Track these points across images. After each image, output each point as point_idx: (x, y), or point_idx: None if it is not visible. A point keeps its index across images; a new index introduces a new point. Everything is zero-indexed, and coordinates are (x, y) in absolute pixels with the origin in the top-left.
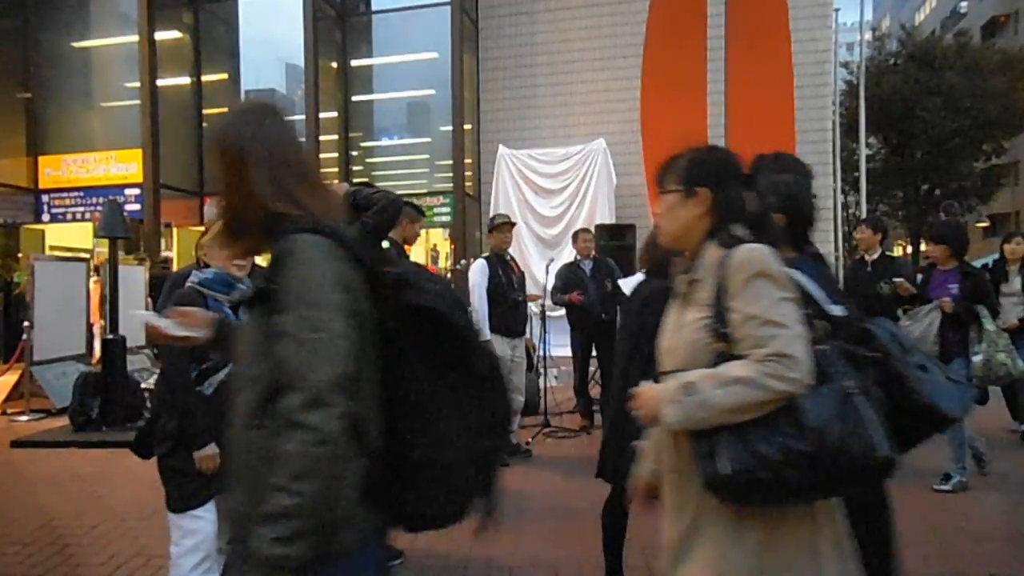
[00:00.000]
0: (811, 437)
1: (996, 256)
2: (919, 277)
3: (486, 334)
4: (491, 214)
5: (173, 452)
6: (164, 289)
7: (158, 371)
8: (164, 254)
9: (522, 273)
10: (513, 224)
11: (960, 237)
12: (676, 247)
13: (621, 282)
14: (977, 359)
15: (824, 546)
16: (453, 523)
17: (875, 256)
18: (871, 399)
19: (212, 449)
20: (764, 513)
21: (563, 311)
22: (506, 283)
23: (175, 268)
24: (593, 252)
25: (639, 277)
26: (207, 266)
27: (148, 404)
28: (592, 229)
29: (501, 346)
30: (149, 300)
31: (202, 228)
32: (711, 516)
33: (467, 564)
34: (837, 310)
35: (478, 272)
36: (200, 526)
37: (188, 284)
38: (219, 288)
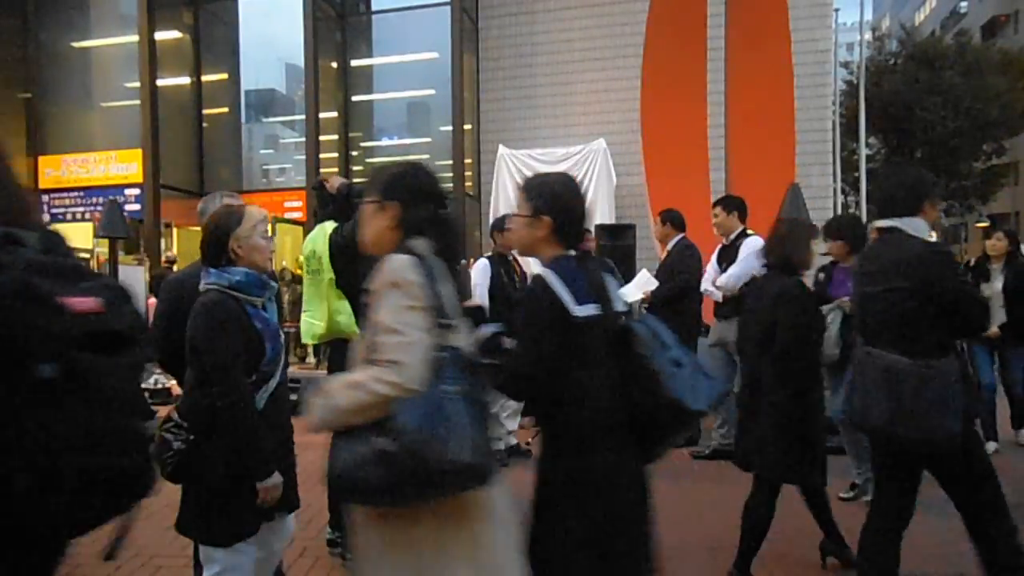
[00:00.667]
0: (397, 439)
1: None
2: (821, 275)
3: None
4: (491, 214)
5: (229, 482)
6: (166, 293)
7: (158, 373)
8: (168, 254)
9: (524, 274)
10: None
11: (858, 232)
12: (371, 253)
13: (621, 290)
14: None
15: (457, 548)
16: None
17: None
18: (473, 404)
19: (277, 478)
20: (393, 513)
21: None
22: (508, 283)
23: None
24: (593, 252)
25: (641, 282)
26: (230, 263)
27: (177, 424)
28: (592, 229)
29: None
30: (151, 301)
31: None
32: (357, 515)
33: None
34: (584, 309)
35: (481, 272)
36: (243, 560)
37: (210, 287)
38: (256, 291)
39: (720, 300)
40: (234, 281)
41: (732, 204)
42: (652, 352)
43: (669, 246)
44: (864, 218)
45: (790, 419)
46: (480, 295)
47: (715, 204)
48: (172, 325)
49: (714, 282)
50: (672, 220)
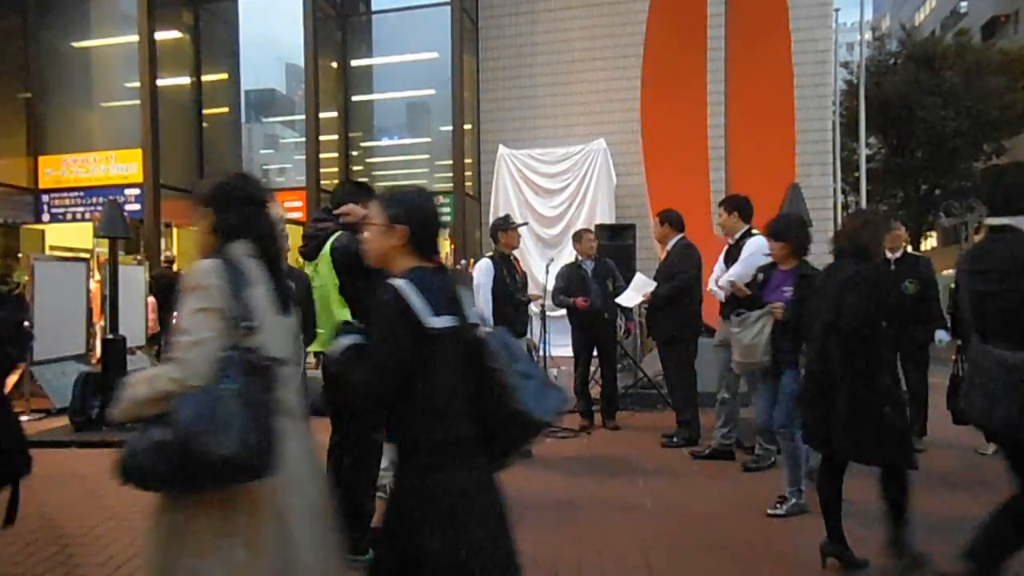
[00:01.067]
0: (173, 430)
1: None
2: (759, 276)
3: None
4: (491, 214)
5: None
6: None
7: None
8: (166, 253)
9: (524, 274)
10: (524, 224)
11: (800, 233)
12: (200, 255)
13: (621, 298)
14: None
15: (236, 538)
16: None
17: (898, 255)
18: (252, 404)
19: None
20: (180, 499)
21: (563, 311)
22: (510, 283)
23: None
24: (595, 252)
25: (639, 285)
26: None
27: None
28: (593, 229)
29: None
30: (151, 300)
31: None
32: (157, 501)
33: None
34: (439, 321)
35: (483, 272)
36: None
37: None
38: None
39: (723, 300)
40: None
41: (733, 204)
42: (503, 364)
43: (669, 246)
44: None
45: (862, 401)
46: (483, 295)
47: (719, 204)
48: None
49: (717, 281)
50: (671, 220)
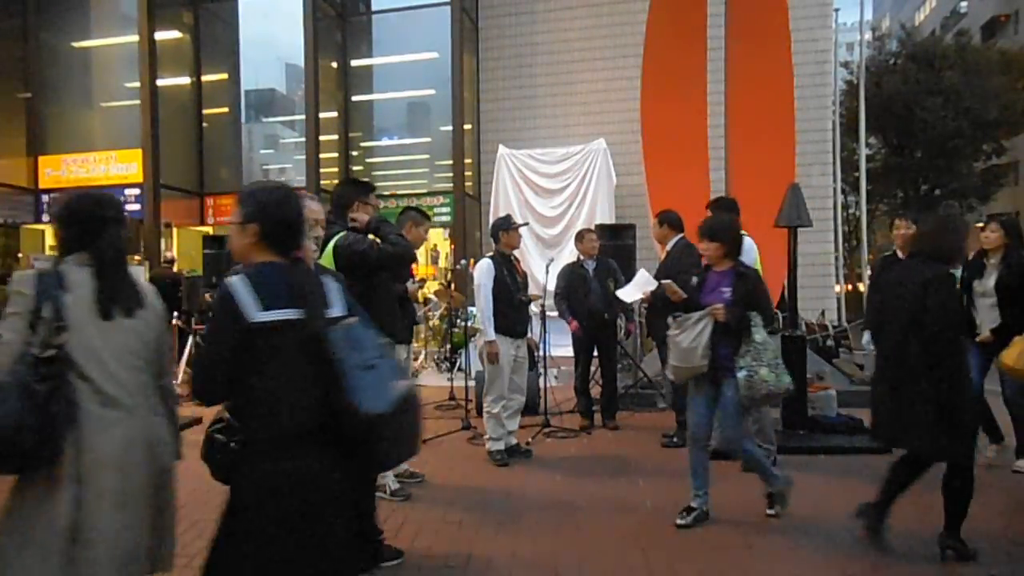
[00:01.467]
0: None
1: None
2: (694, 280)
3: (491, 335)
4: (491, 214)
5: None
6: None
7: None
8: (167, 254)
9: (525, 274)
10: (525, 224)
11: (732, 233)
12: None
13: (621, 292)
14: (741, 375)
15: (44, 518)
16: None
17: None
18: (30, 391)
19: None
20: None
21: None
22: (511, 283)
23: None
24: (597, 252)
25: (640, 282)
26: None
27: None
28: (594, 229)
29: (505, 346)
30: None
31: (206, 228)
32: None
33: (467, 564)
34: (269, 315)
35: (484, 272)
36: None
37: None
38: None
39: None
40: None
41: (723, 206)
42: (342, 356)
43: (668, 246)
44: (864, 218)
45: (941, 400)
46: (484, 295)
47: (707, 207)
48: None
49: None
50: (669, 221)
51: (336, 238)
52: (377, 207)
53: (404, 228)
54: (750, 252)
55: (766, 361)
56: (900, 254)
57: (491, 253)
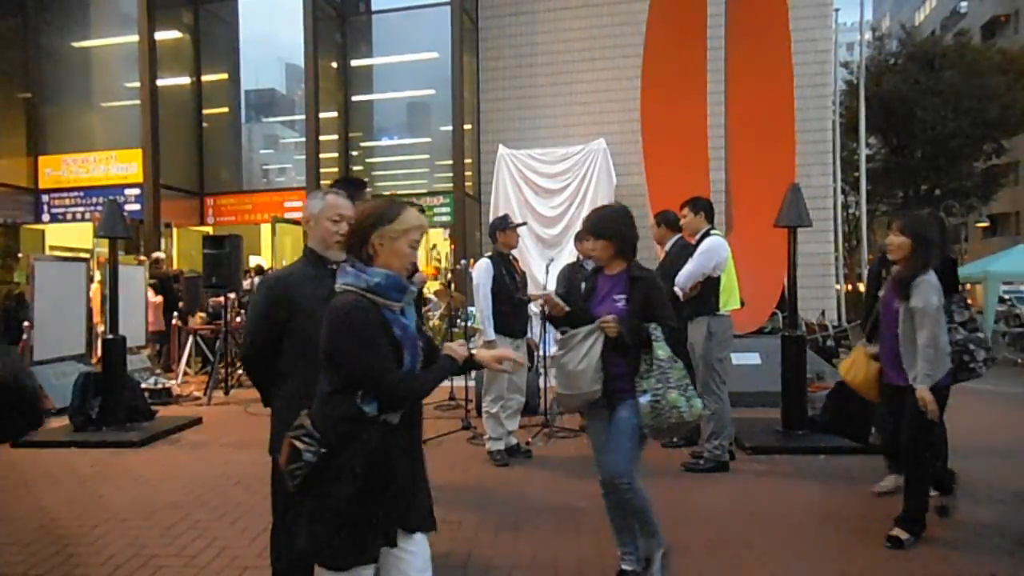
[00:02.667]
0: None
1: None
2: (583, 286)
3: (490, 334)
4: (491, 214)
5: (357, 500)
6: (266, 291)
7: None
8: (156, 254)
9: (523, 273)
10: (523, 224)
11: (626, 229)
12: None
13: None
14: (644, 400)
15: None
16: None
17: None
18: None
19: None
20: None
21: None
22: (510, 283)
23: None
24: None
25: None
26: (369, 259)
27: (309, 434)
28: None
29: (504, 346)
30: (157, 300)
31: (206, 228)
32: None
33: (466, 564)
34: None
35: (483, 272)
36: None
37: (346, 288)
38: (395, 295)
39: (682, 299)
40: (372, 283)
41: (699, 205)
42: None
43: (667, 247)
44: (864, 218)
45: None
46: (483, 295)
47: (683, 205)
48: (274, 327)
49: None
50: (667, 221)
51: None
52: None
53: None
54: (720, 252)
55: (674, 382)
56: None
57: (490, 253)
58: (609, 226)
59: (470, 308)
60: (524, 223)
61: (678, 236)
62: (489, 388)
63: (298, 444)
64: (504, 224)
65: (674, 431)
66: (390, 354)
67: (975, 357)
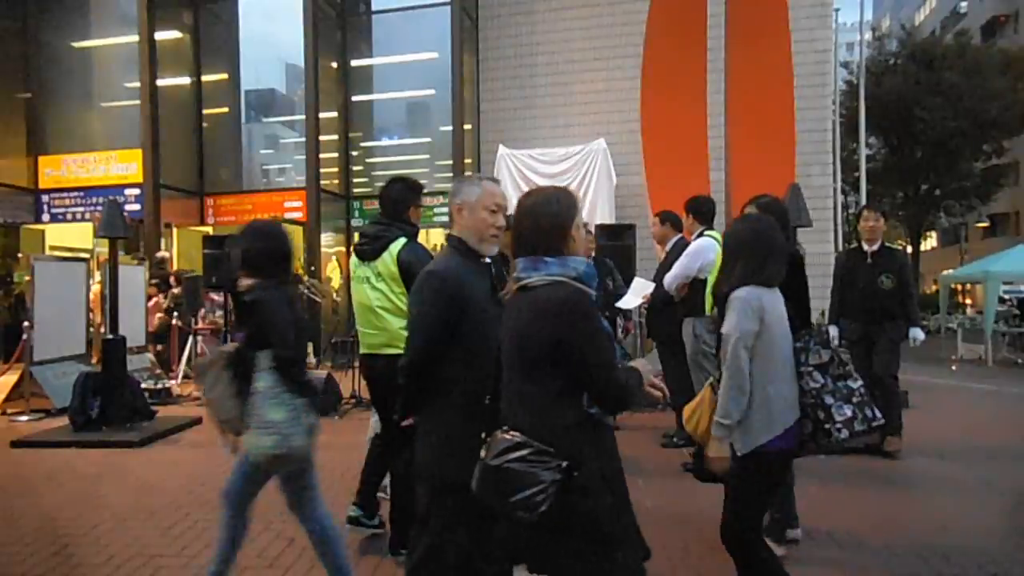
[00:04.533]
0: None
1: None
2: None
3: None
4: None
5: (617, 519)
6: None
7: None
8: (160, 254)
9: None
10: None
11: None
12: None
13: (621, 302)
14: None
15: None
16: None
17: (875, 247)
18: None
19: None
20: None
21: None
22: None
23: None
24: (594, 252)
25: (638, 288)
26: (560, 256)
27: (538, 451)
28: (592, 229)
29: None
30: (159, 300)
31: (206, 228)
32: None
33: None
34: None
35: None
36: None
37: (556, 279)
38: (593, 284)
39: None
40: (580, 272)
41: (666, 217)
42: None
43: (668, 246)
44: (864, 203)
45: None
46: None
47: (655, 215)
48: (446, 329)
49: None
50: (671, 220)
51: (400, 246)
52: (425, 207)
53: (412, 212)
54: (706, 254)
55: (254, 420)
56: (866, 247)
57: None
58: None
59: None
60: None
61: (679, 236)
62: None
63: (527, 467)
64: (507, 225)
65: (275, 466)
66: (613, 348)
67: (833, 416)
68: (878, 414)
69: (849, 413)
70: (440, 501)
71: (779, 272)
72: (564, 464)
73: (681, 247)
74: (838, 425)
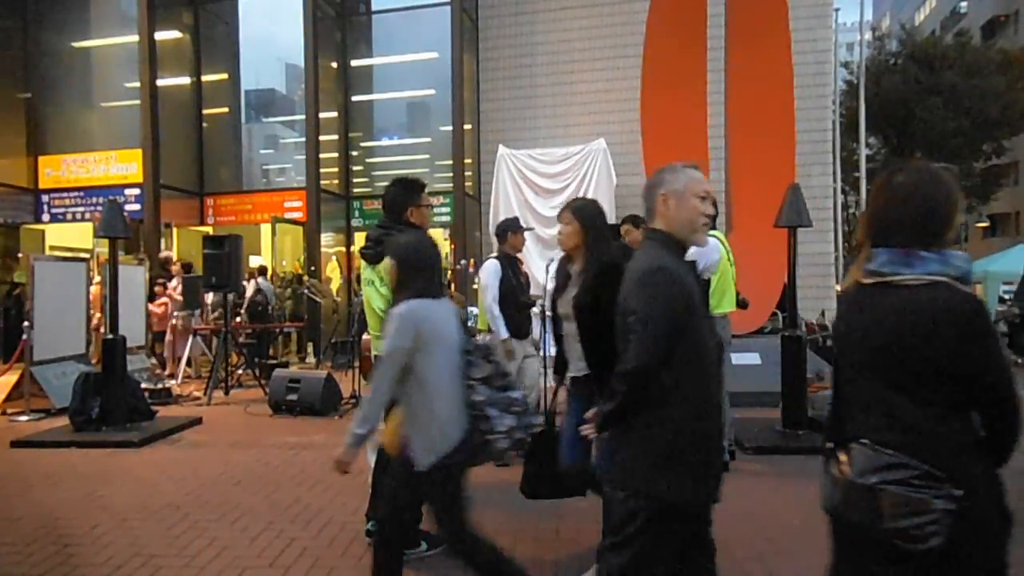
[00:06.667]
0: None
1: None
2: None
3: (503, 333)
4: (491, 214)
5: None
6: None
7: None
8: (166, 254)
9: (526, 275)
10: (530, 228)
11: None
12: None
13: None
14: None
15: None
16: None
17: None
18: None
19: None
20: None
21: None
22: (516, 285)
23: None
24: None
25: None
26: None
27: (926, 475)
28: None
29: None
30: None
31: (206, 228)
32: None
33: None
34: None
35: (491, 273)
36: None
37: (935, 279)
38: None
39: None
40: (964, 270)
41: (639, 222)
42: None
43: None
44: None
45: None
46: (492, 296)
47: (623, 221)
48: (677, 326)
49: None
50: (634, 222)
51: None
52: (432, 206)
53: (408, 213)
54: (709, 254)
55: None
56: None
57: (496, 254)
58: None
59: (471, 308)
60: (531, 228)
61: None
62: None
63: (913, 491)
64: (516, 226)
65: None
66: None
67: (494, 427)
68: (536, 421)
69: (512, 423)
70: (653, 521)
71: (428, 287)
72: (958, 492)
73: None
74: (500, 435)
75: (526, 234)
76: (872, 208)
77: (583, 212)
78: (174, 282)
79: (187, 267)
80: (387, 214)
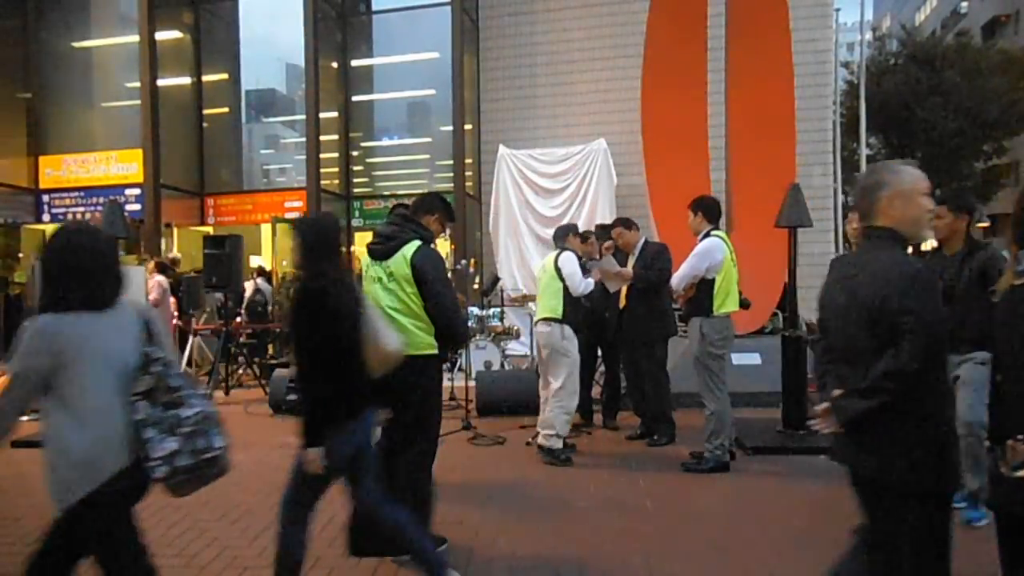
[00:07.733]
0: None
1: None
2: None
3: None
4: (491, 214)
5: None
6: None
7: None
8: (172, 254)
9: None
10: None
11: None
12: None
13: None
14: None
15: None
16: None
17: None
18: None
19: None
20: None
21: None
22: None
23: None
24: (594, 253)
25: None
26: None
27: None
28: (594, 229)
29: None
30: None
31: (206, 228)
32: None
33: (467, 564)
34: None
35: (573, 260)
36: None
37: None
38: None
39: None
40: None
41: (698, 205)
42: None
43: (636, 250)
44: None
45: None
46: (580, 278)
47: (688, 207)
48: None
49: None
50: (704, 209)
51: (414, 249)
52: (448, 237)
53: (431, 220)
54: (714, 254)
55: None
56: (854, 249)
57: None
58: None
59: (471, 309)
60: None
61: (713, 227)
62: (567, 382)
63: None
64: (576, 230)
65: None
66: None
67: (150, 452)
68: (216, 443)
69: (175, 446)
70: (929, 511)
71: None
72: None
73: (658, 249)
74: (157, 461)
75: (525, 233)
76: (1015, 214)
77: None
78: (150, 283)
79: (163, 267)
80: (413, 211)
